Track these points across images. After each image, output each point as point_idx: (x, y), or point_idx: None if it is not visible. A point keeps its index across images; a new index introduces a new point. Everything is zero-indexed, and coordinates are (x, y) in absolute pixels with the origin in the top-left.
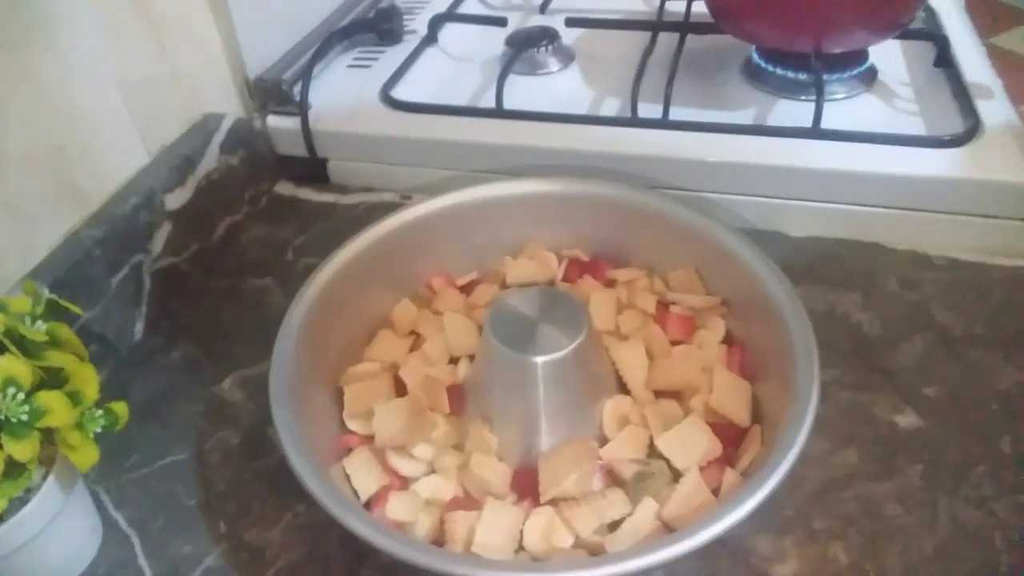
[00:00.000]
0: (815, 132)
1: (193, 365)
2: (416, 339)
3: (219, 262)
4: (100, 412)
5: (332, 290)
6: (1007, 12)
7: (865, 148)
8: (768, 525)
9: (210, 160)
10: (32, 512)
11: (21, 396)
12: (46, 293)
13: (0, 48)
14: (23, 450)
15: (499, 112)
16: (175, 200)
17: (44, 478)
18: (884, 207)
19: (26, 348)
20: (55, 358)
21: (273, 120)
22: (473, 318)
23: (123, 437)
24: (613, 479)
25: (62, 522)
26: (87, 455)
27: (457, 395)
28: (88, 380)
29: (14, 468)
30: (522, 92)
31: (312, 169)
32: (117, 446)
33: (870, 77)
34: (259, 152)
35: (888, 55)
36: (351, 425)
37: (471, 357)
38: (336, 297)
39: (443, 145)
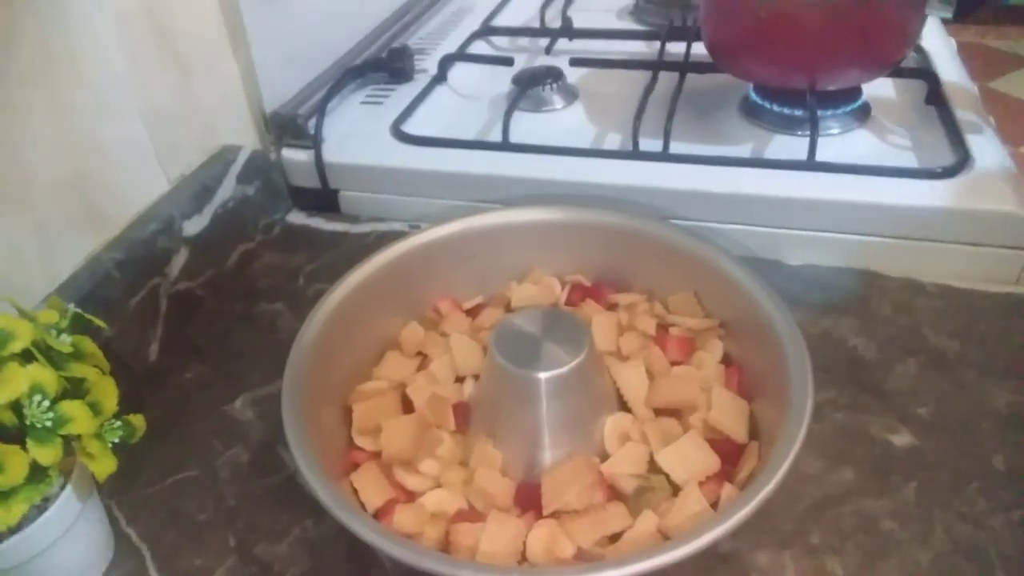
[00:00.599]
0: (810, 164)
1: (205, 385)
2: (423, 360)
3: (233, 287)
4: (119, 423)
5: (342, 312)
6: (1002, 57)
7: (859, 180)
8: (767, 540)
9: (227, 189)
10: (50, 520)
11: (46, 403)
12: (72, 308)
13: (32, 80)
14: (47, 455)
15: (505, 145)
16: (192, 227)
17: (62, 488)
18: (878, 236)
19: (51, 359)
20: (78, 369)
21: (288, 152)
22: (478, 340)
23: (136, 454)
24: (614, 493)
25: (77, 532)
26: (105, 464)
27: (463, 413)
28: (108, 392)
29: (36, 474)
30: (528, 128)
31: (324, 199)
32: (130, 463)
33: (864, 113)
34: (274, 183)
35: (881, 92)
36: (359, 441)
37: (476, 377)
38: (346, 319)
39: (451, 177)
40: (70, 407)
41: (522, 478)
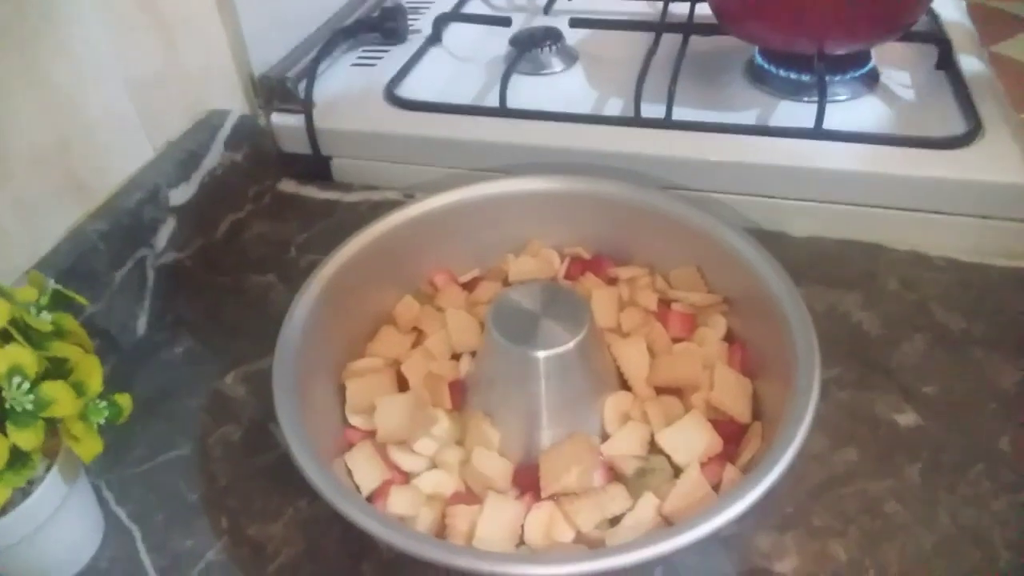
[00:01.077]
0: (817, 133)
1: (195, 360)
2: (418, 335)
3: (222, 258)
4: (104, 403)
5: (335, 286)
6: (1008, 19)
7: (867, 149)
8: (769, 522)
9: (214, 156)
10: (35, 504)
11: (26, 385)
12: (52, 284)
13: (10, 47)
14: (28, 439)
15: (503, 111)
16: (179, 196)
17: (47, 470)
18: (885, 207)
19: (31, 338)
20: (60, 348)
21: (277, 118)
22: (475, 315)
23: (125, 432)
24: (614, 475)
25: (64, 515)
26: (91, 446)
27: (459, 391)
28: (92, 371)
29: (18, 458)
30: (526, 92)
31: (316, 167)
32: (119, 441)
33: (872, 79)
34: (263, 149)
35: (890, 57)
36: (353, 420)
37: (473, 353)
38: (339, 293)
39: (446, 143)
40: (52, 388)
41: (520, 459)
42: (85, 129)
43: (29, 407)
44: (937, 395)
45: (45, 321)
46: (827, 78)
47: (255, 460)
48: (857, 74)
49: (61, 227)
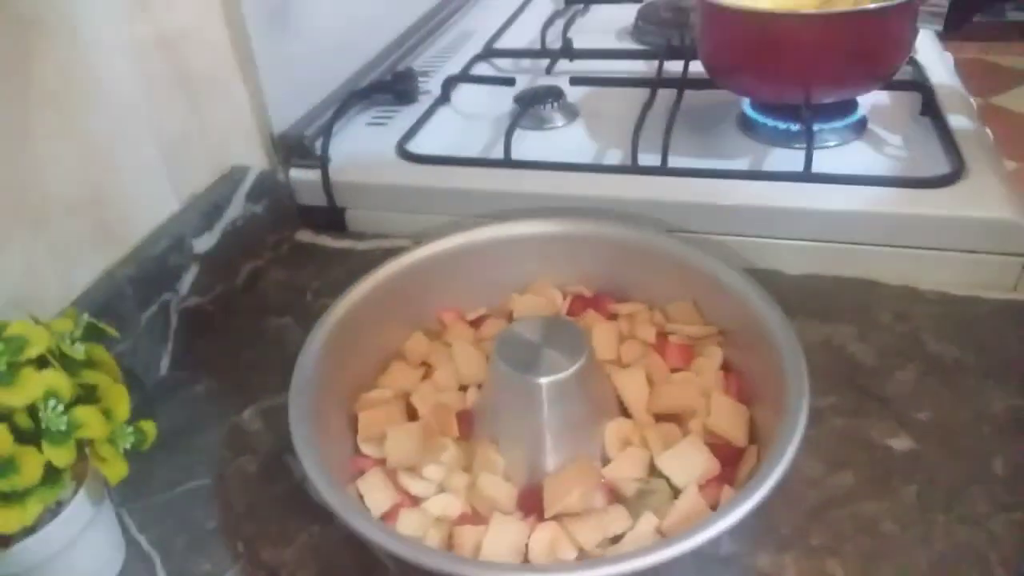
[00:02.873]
0: (806, 176)
1: (215, 397)
2: (427, 369)
3: (242, 303)
4: (131, 429)
5: (348, 323)
6: (1005, 73)
7: (855, 189)
8: (767, 542)
9: (236, 208)
10: (63, 522)
11: (60, 408)
12: (86, 318)
13: (51, 102)
14: (61, 456)
15: (507, 162)
16: (202, 244)
17: (75, 493)
18: (876, 245)
19: (66, 365)
20: (92, 376)
21: (295, 172)
22: (481, 349)
23: (147, 464)
24: (615, 496)
25: (89, 536)
26: (117, 469)
27: (466, 420)
28: (120, 399)
29: (51, 475)
30: (529, 145)
31: (331, 218)
32: (142, 472)
33: (860, 126)
34: (282, 202)
35: (877, 105)
36: (364, 448)
37: (479, 385)
38: (351, 330)
39: (454, 193)
40: (83, 412)
41: (525, 482)
42: (117, 181)
43: (63, 428)
44: (931, 421)
45: (79, 351)
46: (816, 126)
47: (270, 489)
48: (845, 122)
49: (92, 271)
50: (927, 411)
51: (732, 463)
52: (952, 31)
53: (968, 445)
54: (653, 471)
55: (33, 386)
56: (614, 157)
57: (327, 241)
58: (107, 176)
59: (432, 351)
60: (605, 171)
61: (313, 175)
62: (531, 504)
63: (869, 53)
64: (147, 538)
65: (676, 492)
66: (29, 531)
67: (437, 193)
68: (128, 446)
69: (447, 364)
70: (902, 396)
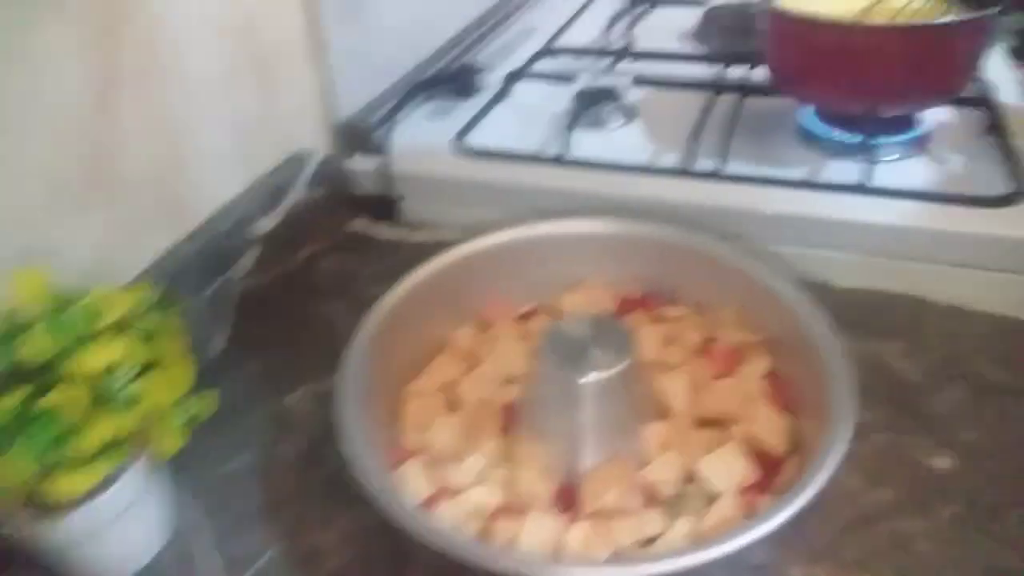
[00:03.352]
0: (864, 189)
1: (265, 378)
2: (473, 363)
3: (297, 286)
4: (192, 400)
5: (398, 312)
6: None
7: (912, 204)
8: (800, 554)
9: (298, 192)
10: (117, 492)
11: (131, 375)
12: (157, 290)
13: (130, 79)
14: (128, 423)
15: (564, 161)
16: (264, 226)
17: (132, 462)
18: (928, 262)
19: (137, 334)
20: (160, 347)
21: (355, 161)
22: (528, 344)
23: (196, 441)
24: (652, 498)
25: (140, 508)
26: (177, 439)
27: (509, 414)
28: (184, 371)
29: (115, 441)
30: (587, 145)
31: (386, 207)
32: (189, 450)
33: (922, 141)
34: (340, 189)
35: (941, 121)
36: (408, 437)
37: (524, 380)
38: (401, 319)
39: (509, 189)
40: (150, 381)
41: (563, 479)
42: (188, 158)
43: (131, 395)
44: (974, 442)
45: (150, 321)
46: (877, 139)
47: (314, 473)
48: (907, 136)
49: (159, 246)
50: (971, 431)
51: (771, 471)
52: None
53: (1011, 469)
54: (691, 475)
55: (109, 351)
56: (670, 160)
57: (381, 230)
58: (179, 153)
59: (479, 344)
60: (661, 174)
61: (372, 164)
62: (568, 501)
63: (938, 68)
64: (192, 515)
65: (713, 497)
66: (89, 496)
67: (492, 188)
68: (189, 416)
69: (493, 358)
70: (946, 415)
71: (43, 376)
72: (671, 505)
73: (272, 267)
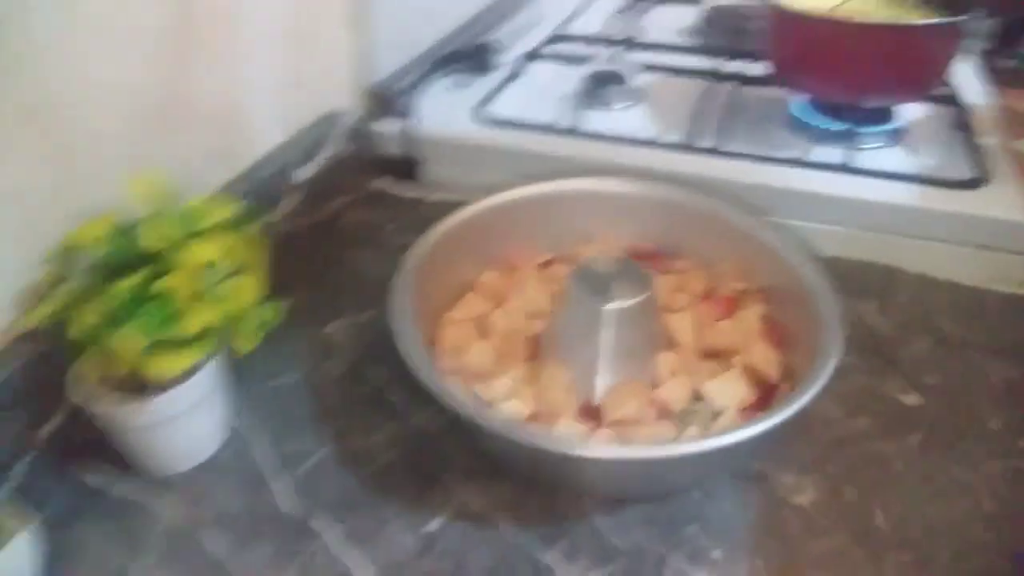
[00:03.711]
0: (847, 168)
1: (303, 312)
2: (498, 302)
3: (328, 233)
4: (266, 306)
5: (431, 255)
6: None
7: (888, 184)
8: (791, 467)
9: (330, 148)
10: (195, 384)
11: (223, 274)
12: (240, 204)
13: (206, 37)
14: (218, 315)
15: (575, 132)
16: (301, 176)
17: (213, 355)
18: (900, 235)
19: (229, 240)
20: (245, 255)
21: (381, 124)
22: (549, 287)
23: (246, 359)
24: (664, 412)
25: (213, 400)
26: (251, 340)
27: (535, 344)
28: (261, 279)
29: (205, 334)
30: (596, 121)
31: (407, 169)
32: (242, 365)
33: (897, 134)
34: (366, 149)
35: (915, 116)
36: (445, 361)
37: (546, 318)
38: (433, 262)
39: (524, 155)
40: (237, 283)
41: (584, 398)
42: (243, 103)
43: (223, 292)
44: (938, 384)
45: (237, 231)
46: (860, 128)
47: (356, 389)
48: (884, 127)
49: (211, 185)
50: (935, 375)
51: (767, 395)
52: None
53: (969, 405)
54: (698, 395)
55: (209, 250)
56: (672, 138)
57: (402, 190)
58: (235, 99)
59: (505, 286)
60: (665, 148)
61: (396, 127)
62: (590, 414)
63: (913, 64)
64: (246, 420)
65: (718, 413)
66: (171, 384)
67: (508, 154)
68: (262, 321)
69: (518, 297)
70: (914, 362)
71: (155, 265)
72: (681, 418)
73: (305, 216)
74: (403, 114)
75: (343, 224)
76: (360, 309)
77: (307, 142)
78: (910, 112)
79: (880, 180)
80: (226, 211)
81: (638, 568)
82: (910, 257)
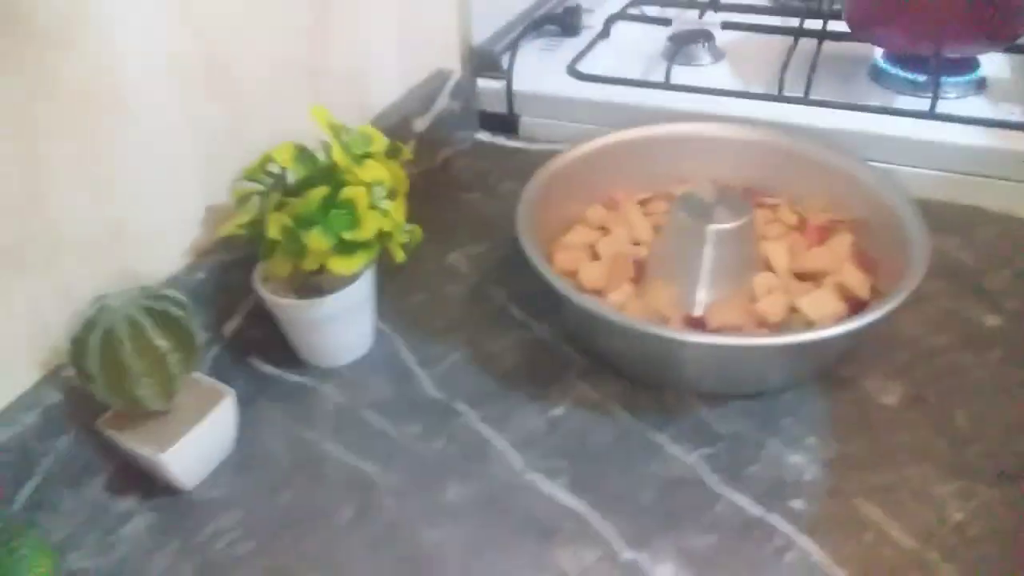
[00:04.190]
0: (931, 115)
1: (425, 245)
2: (603, 232)
3: (440, 180)
4: (409, 228)
5: (540, 193)
6: None
7: (970, 128)
8: (876, 373)
9: (441, 102)
10: (357, 288)
11: (384, 193)
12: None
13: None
14: (386, 224)
15: (666, 85)
16: (419, 126)
17: (372, 264)
18: (984, 176)
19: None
20: (394, 181)
21: (482, 81)
22: (650, 219)
23: (381, 280)
24: (763, 323)
25: (363, 310)
26: (401, 253)
27: (639, 268)
28: (404, 203)
29: (368, 244)
30: (682, 77)
31: (506, 123)
32: (378, 285)
33: (980, 84)
34: (469, 104)
35: (998, 67)
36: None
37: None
38: (543, 199)
39: (617, 107)
40: (392, 204)
41: (686, 313)
42: (370, 56)
43: (385, 208)
44: (1018, 309)
45: (389, 160)
46: (941, 79)
47: (479, 307)
48: (967, 78)
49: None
50: (1015, 302)
51: (857, 311)
52: None
53: None
54: (794, 309)
55: (377, 170)
56: (758, 90)
57: (503, 141)
58: (363, 57)
59: (608, 219)
60: (754, 98)
61: (497, 84)
62: (694, 326)
63: (999, 14)
64: (388, 328)
65: (812, 325)
66: (342, 285)
67: (601, 107)
68: (407, 240)
69: (622, 227)
70: (995, 291)
71: (335, 181)
72: (778, 329)
73: (420, 162)
74: (503, 72)
75: (453, 171)
76: (476, 242)
77: (421, 96)
78: (992, 62)
79: (964, 125)
80: (383, 141)
81: (739, 449)
82: (993, 198)
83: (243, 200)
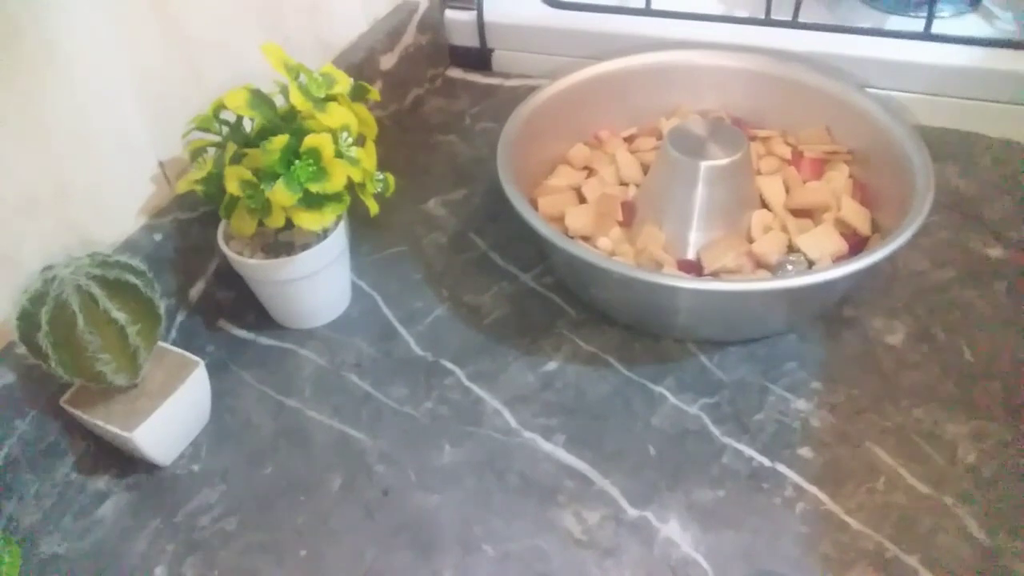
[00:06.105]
0: (926, 36)
1: (401, 191)
2: (589, 173)
3: (411, 121)
4: (381, 176)
5: (521, 132)
6: None
7: (967, 49)
8: (881, 311)
9: (408, 37)
10: (328, 246)
11: (351, 140)
12: (352, 80)
13: None
14: (356, 173)
15: (647, 11)
16: (386, 63)
17: (342, 218)
18: (982, 100)
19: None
20: (362, 126)
21: (451, 13)
22: (636, 157)
23: (353, 235)
24: (761, 264)
25: (337, 267)
26: (374, 204)
27: (628, 209)
28: (374, 151)
29: (338, 196)
30: (661, 3)
31: (479, 58)
32: (351, 239)
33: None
34: (438, 39)
35: None
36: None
37: (637, 185)
38: (523, 138)
39: (596, 36)
40: (360, 151)
41: (681, 256)
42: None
43: (352, 155)
44: (1019, 239)
45: (354, 104)
46: None
47: (461, 256)
48: None
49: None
50: (1017, 231)
51: (858, 248)
52: None
53: None
54: (792, 248)
55: (340, 116)
56: (745, 14)
57: (476, 77)
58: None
59: (593, 158)
60: (740, 22)
61: (467, 15)
62: (689, 269)
63: None
64: (366, 283)
65: (811, 264)
66: (312, 243)
67: (580, 36)
68: (379, 189)
69: (608, 167)
70: (997, 219)
71: (297, 128)
72: (777, 269)
73: (389, 104)
74: (473, 2)
75: (423, 113)
76: (453, 188)
77: (387, 30)
78: None
79: (959, 46)
80: (346, 81)
81: (743, 397)
82: (992, 122)
83: (197, 153)
